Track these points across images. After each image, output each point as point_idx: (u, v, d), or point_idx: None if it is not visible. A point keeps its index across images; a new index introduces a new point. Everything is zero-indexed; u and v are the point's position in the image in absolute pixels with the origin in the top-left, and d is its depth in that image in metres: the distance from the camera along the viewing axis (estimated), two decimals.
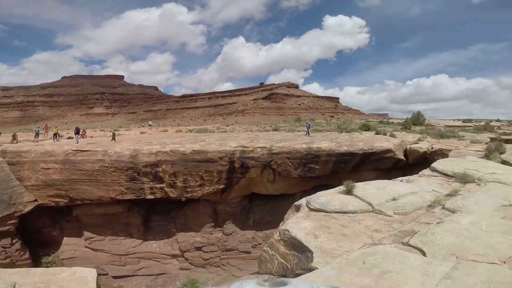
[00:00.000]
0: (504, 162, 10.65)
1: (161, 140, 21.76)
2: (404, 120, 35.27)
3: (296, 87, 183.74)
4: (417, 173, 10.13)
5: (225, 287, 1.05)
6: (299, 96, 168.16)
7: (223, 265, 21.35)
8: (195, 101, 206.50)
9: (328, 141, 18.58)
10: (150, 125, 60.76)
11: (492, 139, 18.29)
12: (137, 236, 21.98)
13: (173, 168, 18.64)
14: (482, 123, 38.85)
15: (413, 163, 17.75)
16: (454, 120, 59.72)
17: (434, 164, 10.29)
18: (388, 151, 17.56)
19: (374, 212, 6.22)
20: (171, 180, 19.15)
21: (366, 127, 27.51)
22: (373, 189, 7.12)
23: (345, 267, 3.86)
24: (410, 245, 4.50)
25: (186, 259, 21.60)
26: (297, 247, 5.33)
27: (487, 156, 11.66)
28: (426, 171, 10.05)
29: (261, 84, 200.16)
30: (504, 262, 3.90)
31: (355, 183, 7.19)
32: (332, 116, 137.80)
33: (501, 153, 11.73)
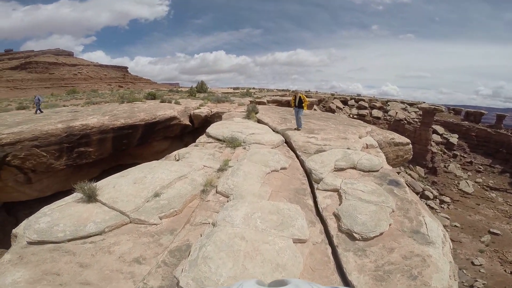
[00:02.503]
0: (259, 121, 12.56)
1: None
2: (190, 88, 36.50)
3: (70, 54, 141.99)
4: None
5: (225, 287, 1.09)
6: (75, 65, 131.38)
7: None
8: None
9: (100, 115, 14.58)
10: None
11: (251, 102, 22.43)
12: None
13: None
14: (245, 90, 49.11)
15: (199, 127, 18.11)
16: (228, 88, 71.67)
17: (208, 129, 10.14)
18: (173, 118, 16.65)
19: (132, 223, 4.22)
20: None
21: (152, 96, 25.23)
22: (128, 184, 4.99)
23: None
24: None
25: None
26: None
27: (248, 116, 13.41)
28: (203, 138, 9.70)
29: (8, 50, 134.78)
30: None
31: (97, 183, 4.79)
32: (121, 86, 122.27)
33: (256, 113, 13.94)
